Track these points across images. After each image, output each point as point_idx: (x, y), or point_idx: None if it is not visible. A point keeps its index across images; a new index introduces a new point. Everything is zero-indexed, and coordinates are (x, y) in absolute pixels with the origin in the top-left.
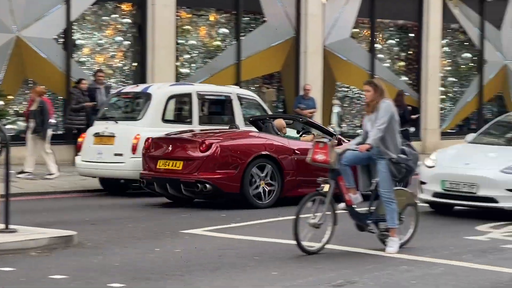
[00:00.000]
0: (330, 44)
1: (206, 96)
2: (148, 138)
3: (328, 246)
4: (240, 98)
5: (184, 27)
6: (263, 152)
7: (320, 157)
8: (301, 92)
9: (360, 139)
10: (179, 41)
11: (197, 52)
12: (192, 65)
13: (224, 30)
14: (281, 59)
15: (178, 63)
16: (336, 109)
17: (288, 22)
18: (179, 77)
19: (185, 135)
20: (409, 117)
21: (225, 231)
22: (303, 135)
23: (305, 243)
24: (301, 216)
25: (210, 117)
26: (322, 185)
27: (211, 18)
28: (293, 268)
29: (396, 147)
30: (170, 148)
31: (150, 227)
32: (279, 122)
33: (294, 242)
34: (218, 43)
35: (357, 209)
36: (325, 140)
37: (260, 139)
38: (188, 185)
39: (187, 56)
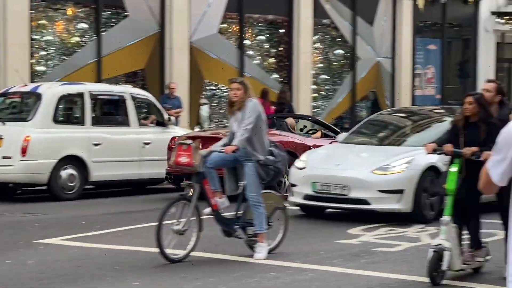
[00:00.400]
0: (197, 40)
1: (99, 96)
2: (174, 137)
3: (193, 253)
4: (134, 98)
5: (39, 22)
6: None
7: (183, 159)
8: (166, 91)
9: (226, 140)
10: (34, 37)
11: (54, 48)
12: (49, 62)
13: (83, 25)
14: (145, 56)
15: (33, 61)
16: (204, 109)
17: (151, 16)
18: (35, 76)
19: (211, 133)
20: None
21: (83, 240)
22: (309, 133)
23: (169, 251)
24: (164, 222)
25: (103, 118)
26: (186, 189)
27: (69, 12)
28: (156, 278)
29: (263, 148)
30: (200, 146)
31: (2, 237)
32: (291, 121)
33: (157, 250)
34: (77, 39)
35: (223, 214)
36: (188, 141)
37: (282, 137)
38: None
39: (43, 53)
